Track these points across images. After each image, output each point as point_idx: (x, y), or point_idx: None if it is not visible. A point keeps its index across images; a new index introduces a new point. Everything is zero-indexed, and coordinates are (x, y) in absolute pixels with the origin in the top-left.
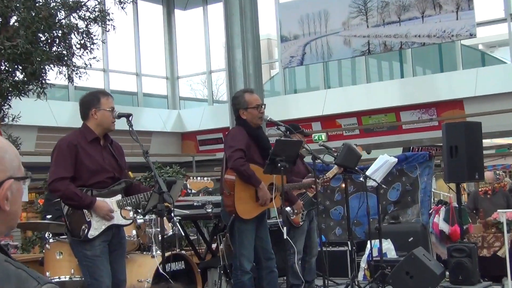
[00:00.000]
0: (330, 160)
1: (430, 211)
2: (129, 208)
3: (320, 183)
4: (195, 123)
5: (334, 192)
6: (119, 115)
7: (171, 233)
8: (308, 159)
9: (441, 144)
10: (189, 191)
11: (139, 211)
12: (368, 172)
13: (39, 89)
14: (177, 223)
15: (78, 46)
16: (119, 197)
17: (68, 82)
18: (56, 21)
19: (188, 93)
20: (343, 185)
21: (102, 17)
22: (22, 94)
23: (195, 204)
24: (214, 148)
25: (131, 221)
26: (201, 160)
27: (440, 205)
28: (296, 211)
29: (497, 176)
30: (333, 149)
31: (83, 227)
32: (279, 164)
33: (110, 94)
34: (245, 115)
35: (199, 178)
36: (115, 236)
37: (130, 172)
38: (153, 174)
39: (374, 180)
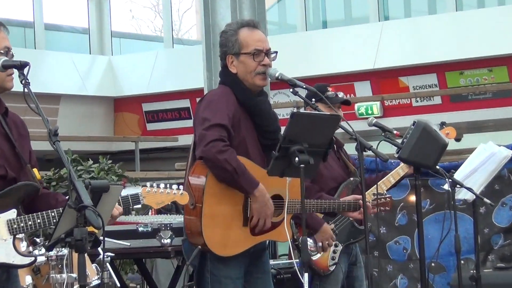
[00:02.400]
0: (390, 153)
1: None
2: (20, 235)
3: (373, 203)
4: (140, 81)
5: (395, 211)
6: (4, 64)
7: (96, 281)
8: (350, 148)
9: None
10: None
11: (39, 240)
12: (458, 176)
13: None
14: (108, 265)
15: None
16: (12, 214)
17: None
18: None
19: (127, 26)
20: (412, 199)
21: None
22: None
23: (140, 229)
24: (174, 126)
25: (33, 258)
26: (151, 148)
27: None
28: (320, 244)
29: None
30: (395, 132)
31: None
32: (296, 159)
33: (2, 23)
34: (235, 67)
35: (161, 185)
36: (3, 285)
37: (35, 170)
38: (64, 174)
39: (469, 189)
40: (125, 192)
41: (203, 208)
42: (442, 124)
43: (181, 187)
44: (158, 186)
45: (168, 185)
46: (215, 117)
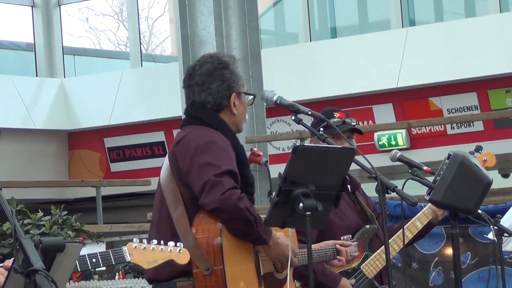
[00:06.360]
0: (420, 194)
1: None
2: None
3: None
4: (101, 110)
5: (428, 267)
6: None
7: None
8: (368, 189)
9: None
10: (90, 264)
11: None
12: (505, 222)
13: None
14: None
15: None
16: None
17: None
18: None
19: (82, 40)
20: (449, 252)
21: None
22: None
23: None
24: (145, 166)
25: None
26: (116, 195)
27: None
28: None
29: None
30: (425, 168)
31: None
32: (300, 205)
33: None
34: (236, 108)
35: (154, 241)
36: None
37: None
38: (7, 230)
39: None
40: (87, 251)
41: (225, 268)
42: (478, 149)
43: (179, 244)
44: (149, 242)
45: (162, 242)
46: (225, 162)
